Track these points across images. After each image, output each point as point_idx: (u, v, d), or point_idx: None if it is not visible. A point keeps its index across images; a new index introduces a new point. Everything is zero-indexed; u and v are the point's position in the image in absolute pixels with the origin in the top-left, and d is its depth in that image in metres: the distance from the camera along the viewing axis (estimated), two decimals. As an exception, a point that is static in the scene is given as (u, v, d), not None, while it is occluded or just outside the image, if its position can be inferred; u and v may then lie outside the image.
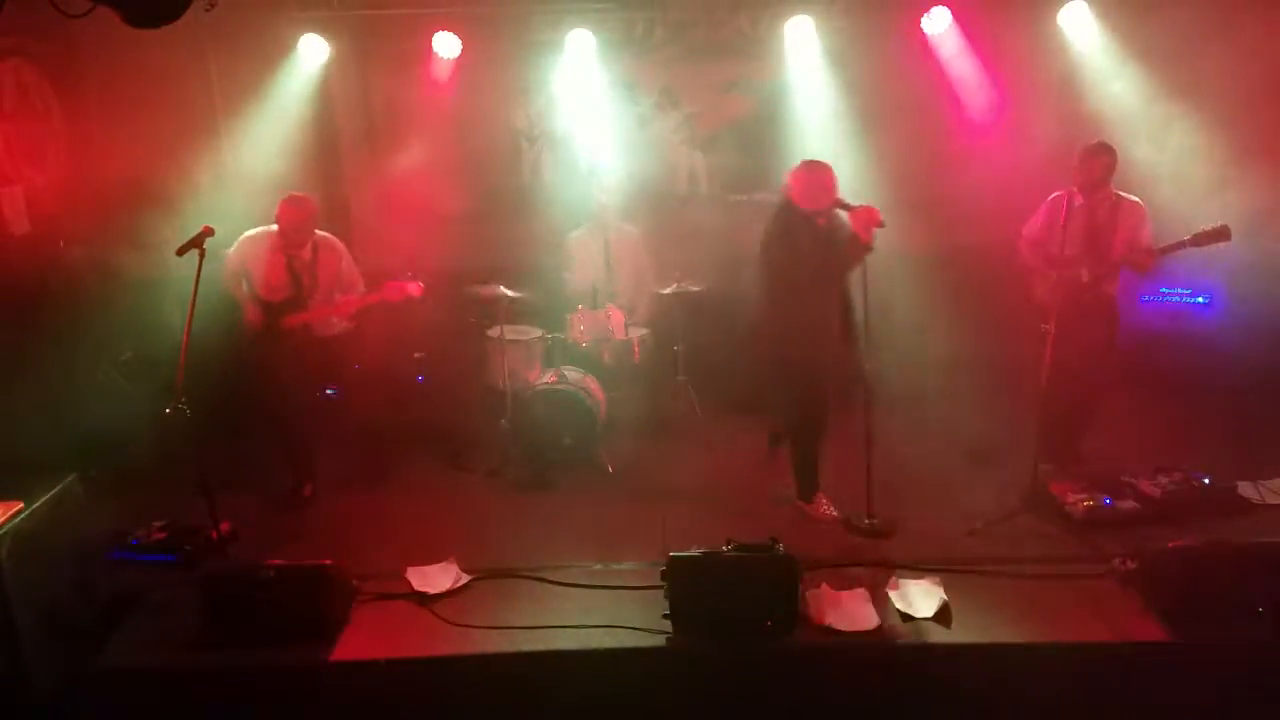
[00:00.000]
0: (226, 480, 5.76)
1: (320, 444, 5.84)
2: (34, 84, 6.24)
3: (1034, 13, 6.70)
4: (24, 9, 4.16)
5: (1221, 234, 4.96)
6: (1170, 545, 4.20)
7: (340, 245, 5.58)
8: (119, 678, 4.06)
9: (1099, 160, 5.22)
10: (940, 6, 6.61)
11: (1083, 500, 4.95)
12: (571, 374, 6.13)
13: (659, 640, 4.07)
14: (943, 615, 4.15)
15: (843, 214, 4.89)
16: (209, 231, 4.70)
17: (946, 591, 4.25)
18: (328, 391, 6.04)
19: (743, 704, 4.02)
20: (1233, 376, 6.22)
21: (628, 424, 6.30)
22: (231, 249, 5.47)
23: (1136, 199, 5.30)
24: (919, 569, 4.45)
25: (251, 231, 5.48)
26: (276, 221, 5.36)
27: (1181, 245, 5.06)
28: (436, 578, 4.56)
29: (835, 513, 5.14)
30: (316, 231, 5.47)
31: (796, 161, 5.21)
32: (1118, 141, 5.37)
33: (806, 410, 5.15)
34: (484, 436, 6.29)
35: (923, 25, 6.70)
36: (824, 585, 4.29)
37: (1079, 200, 5.24)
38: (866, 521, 4.97)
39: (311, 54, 6.83)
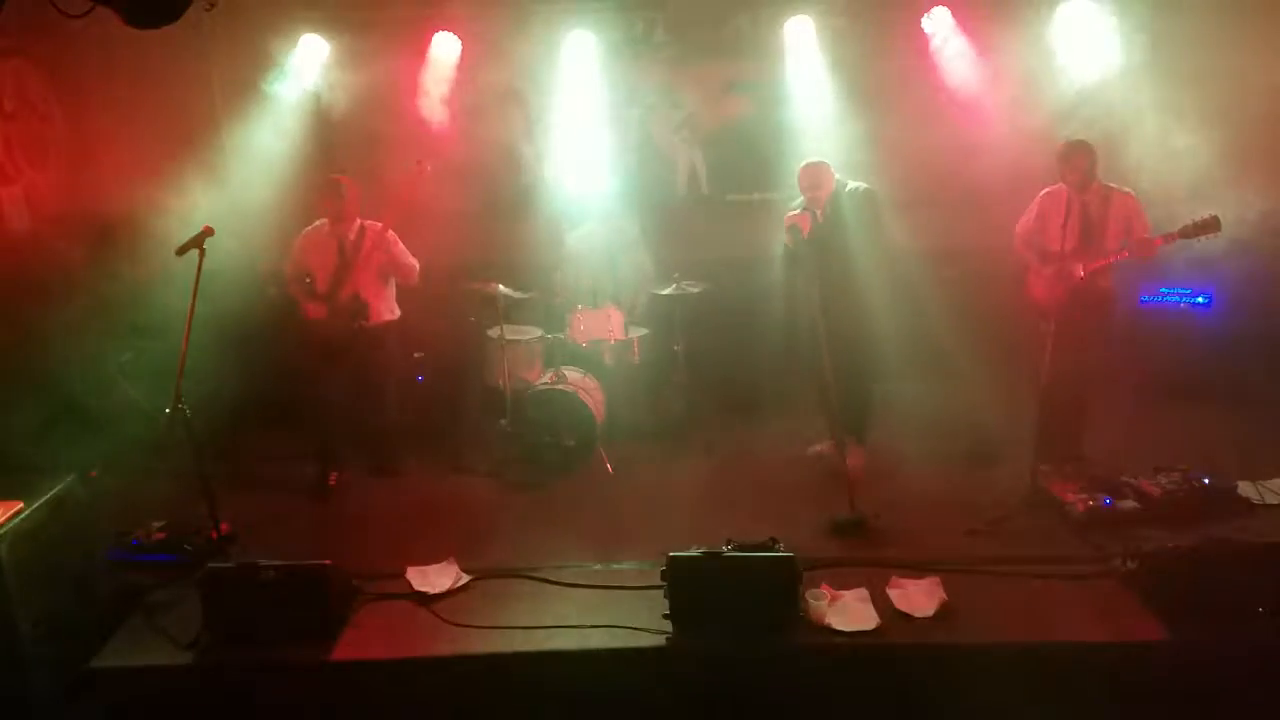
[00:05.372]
0: (245, 474, 5.85)
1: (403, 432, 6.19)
2: (34, 84, 6.25)
3: (1034, 12, 6.70)
4: (24, 9, 4.16)
5: (1210, 225, 4.96)
6: (1170, 545, 4.20)
7: (389, 233, 5.76)
8: (119, 678, 4.06)
9: (1080, 159, 5.23)
10: (940, 6, 6.61)
11: (1083, 500, 4.95)
12: (571, 374, 6.13)
13: (659, 640, 4.07)
14: (943, 615, 4.15)
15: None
16: (209, 231, 4.72)
17: (946, 591, 4.25)
18: (417, 379, 6.65)
19: (743, 704, 4.02)
20: (1232, 376, 6.22)
21: (628, 424, 6.30)
22: (293, 250, 5.79)
23: (1128, 190, 5.31)
24: (919, 569, 4.45)
25: (306, 229, 5.80)
26: (320, 205, 5.74)
27: (1171, 237, 5.07)
28: (436, 578, 4.56)
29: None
30: (367, 221, 5.76)
31: (796, 161, 5.30)
32: (1117, 139, 5.38)
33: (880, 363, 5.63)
34: (484, 436, 6.29)
35: (923, 25, 6.70)
36: (824, 585, 4.29)
37: (1071, 196, 5.26)
38: (848, 515, 4.98)
39: (311, 54, 6.83)
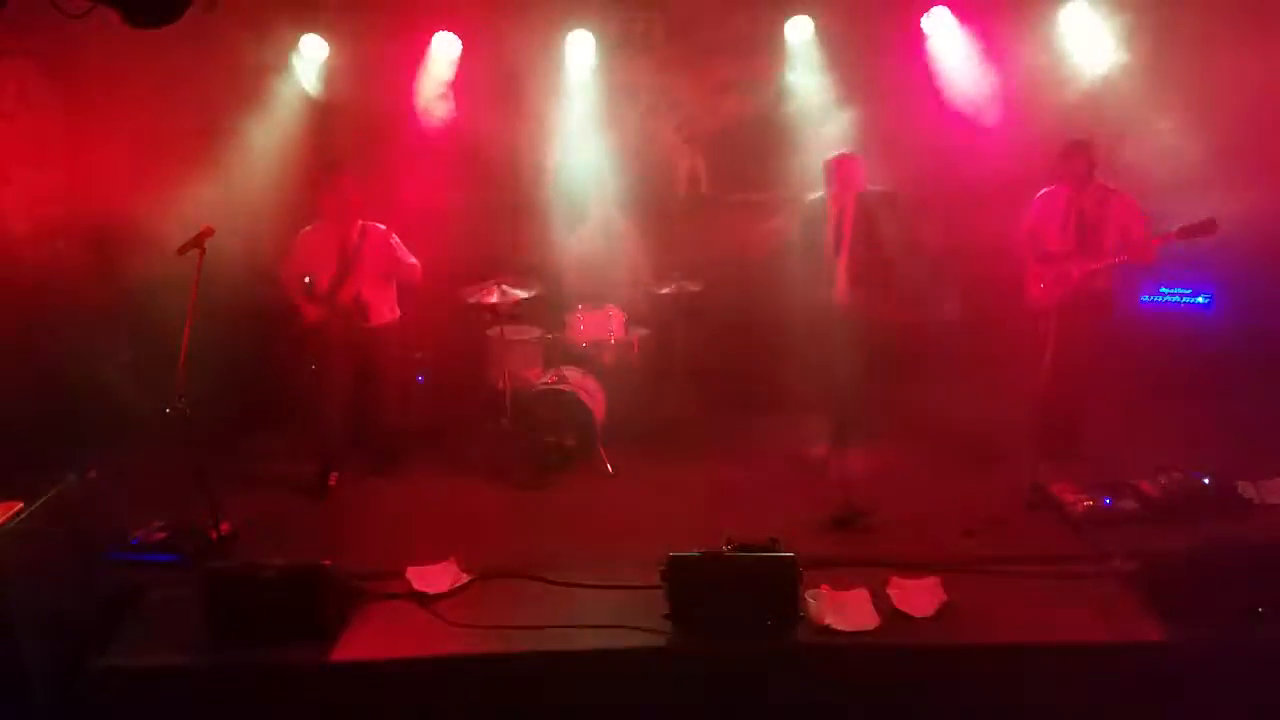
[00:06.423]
0: (245, 474, 5.85)
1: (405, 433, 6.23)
2: (34, 84, 6.25)
3: (1034, 12, 6.70)
4: (24, 9, 4.16)
5: (1208, 227, 4.96)
6: (1170, 545, 4.20)
7: (389, 233, 5.77)
8: (119, 678, 4.06)
9: (1079, 159, 5.24)
10: (940, 6, 6.61)
11: (1083, 500, 4.95)
12: (571, 374, 6.13)
13: (659, 640, 4.07)
14: (943, 615, 4.15)
15: None
16: (209, 231, 4.72)
17: (946, 591, 4.25)
18: (417, 379, 6.66)
19: (743, 704, 4.02)
20: (1233, 376, 6.22)
21: (628, 424, 6.30)
22: (293, 250, 5.78)
23: (1127, 191, 5.31)
24: (919, 569, 4.45)
25: (305, 229, 5.80)
26: (321, 205, 5.74)
27: (1169, 238, 5.07)
28: (436, 578, 4.55)
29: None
30: (368, 222, 5.77)
31: (796, 160, 5.31)
32: (1116, 139, 5.38)
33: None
34: (484, 436, 6.29)
35: (922, 25, 6.70)
36: (824, 585, 4.29)
37: (1069, 196, 5.27)
38: (846, 511, 4.98)
39: (311, 54, 6.84)
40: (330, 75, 6.99)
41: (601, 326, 6.27)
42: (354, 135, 7.15)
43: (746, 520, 4.69)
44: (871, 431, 5.71)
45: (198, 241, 4.68)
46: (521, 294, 6.06)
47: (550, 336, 6.42)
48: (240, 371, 6.30)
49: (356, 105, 7.09)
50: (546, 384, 6.04)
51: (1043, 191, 5.54)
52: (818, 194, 5.53)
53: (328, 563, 4.23)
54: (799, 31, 6.88)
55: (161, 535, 4.98)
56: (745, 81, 7.29)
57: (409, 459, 6.13)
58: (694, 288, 6.40)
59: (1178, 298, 6.79)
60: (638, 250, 6.80)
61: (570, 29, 6.90)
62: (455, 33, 6.81)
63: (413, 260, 5.83)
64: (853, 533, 4.95)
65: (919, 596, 4.24)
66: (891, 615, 4.16)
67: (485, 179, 7.30)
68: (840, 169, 5.49)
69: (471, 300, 6.08)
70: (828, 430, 5.84)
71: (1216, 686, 3.85)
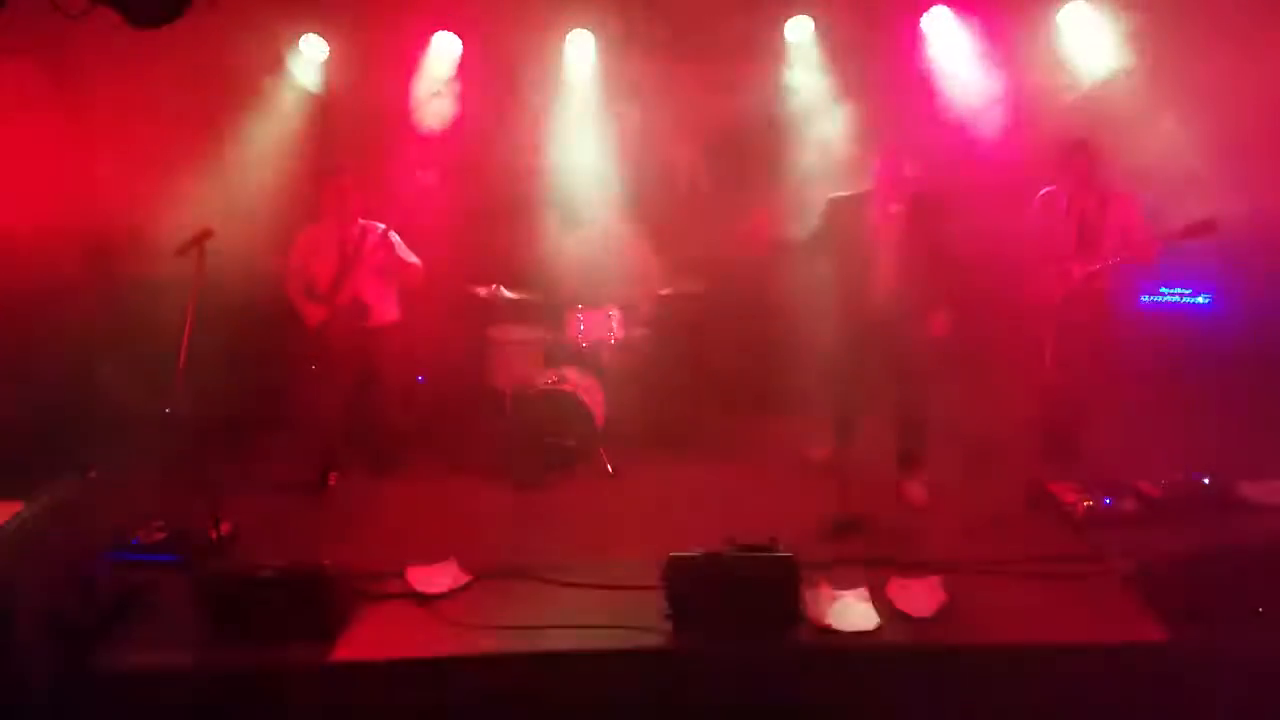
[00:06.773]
0: (245, 474, 5.85)
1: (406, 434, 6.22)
2: (34, 84, 6.25)
3: (1034, 12, 6.70)
4: (24, 9, 4.17)
5: (1208, 226, 4.96)
6: (1170, 545, 4.20)
7: (391, 234, 5.73)
8: (119, 678, 4.05)
9: (1079, 159, 5.24)
10: (940, 6, 6.61)
11: (1083, 500, 4.95)
12: (572, 374, 6.13)
13: (659, 640, 4.07)
14: (943, 615, 4.15)
15: None
16: (209, 232, 4.71)
17: (946, 591, 4.25)
18: (417, 379, 6.64)
19: (743, 704, 4.02)
20: (1233, 376, 6.22)
21: (628, 424, 6.30)
22: (293, 250, 5.75)
23: (1127, 191, 5.31)
24: (919, 569, 4.45)
25: (305, 229, 5.78)
26: (320, 205, 5.69)
27: (1169, 238, 5.07)
28: (436, 578, 4.55)
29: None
30: (368, 221, 5.74)
31: (796, 160, 5.28)
32: (1116, 140, 5.38)
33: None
34: (484, 436, 6.29)
35: (922, 25, 6.70)
36: (824, 585, 4.29)
37: (1070, 196, 5.27)
38: (845, 516, 4.96)
39: (311, 53, 6.84)
40: (330, 75, 7.00)
41: (601, 326, 6.27)
42: (354, 135, 7.15)
43: (746, 520, 4.69)
44: (925, 456, 5.43)
45: (197, 242, 4.67)
46: (521, 294, 6.06)
47: (550, 336, 6.42)
48: (240, 371, 6.30)
49: (356, 105, 7.09)
50: (547, 384, 6.04)
51: (1043, 191, 5.54)
52: (847, 192, 5.38)
53: (328, 563, 4.23)
54: (799, 31, 6.88)
55: (161, 535, 4.97)
56: (745, 81, 7.29)
57: (409, 459, 6.13)
58: (694, 288, 6.39)
59: (1178, 298, 6.80)
60: (637, 250, 6.80)
61: (570, 29, 6.90)
62: (455, 32, 6.81)
63: (413, 259, 5.83)
64: (853, 533, 4.95)
65: (919, 596, 4.24)
66: (891, 615, 4.16)
67: (485, 179, 7.30)
68: (890, 167, 5.21)
69: (471, 300, 6.08)
70: (830, 430, 5.83)
71: (1216, 686, 3.85)
